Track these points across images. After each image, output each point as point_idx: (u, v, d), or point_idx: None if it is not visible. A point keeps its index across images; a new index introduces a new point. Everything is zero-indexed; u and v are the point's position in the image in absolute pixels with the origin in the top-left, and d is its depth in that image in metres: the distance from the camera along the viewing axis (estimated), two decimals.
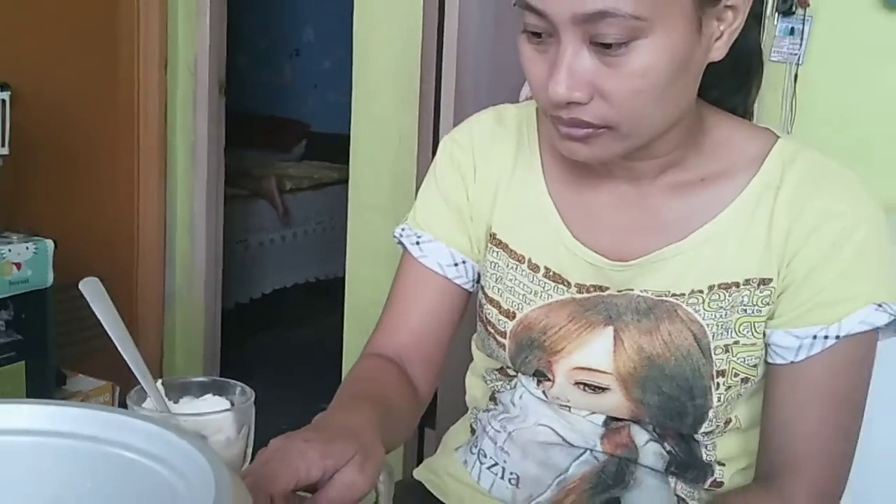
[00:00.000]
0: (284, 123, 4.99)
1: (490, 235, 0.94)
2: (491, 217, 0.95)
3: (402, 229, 1.00)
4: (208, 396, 0.74)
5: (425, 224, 0.98)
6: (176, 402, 0.74)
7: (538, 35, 0.77)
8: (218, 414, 0.70)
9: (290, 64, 5.23)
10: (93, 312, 0.76)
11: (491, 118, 0.98)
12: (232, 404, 0.73)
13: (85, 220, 2.79)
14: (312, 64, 5.15)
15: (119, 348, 0.73)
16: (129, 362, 0.72)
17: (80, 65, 2.74)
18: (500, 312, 0.92)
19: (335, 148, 4.60)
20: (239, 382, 0.75)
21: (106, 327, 0.74)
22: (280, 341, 3.87)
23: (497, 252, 0.94)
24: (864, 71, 1.80)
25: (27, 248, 2.12)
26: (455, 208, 0.97)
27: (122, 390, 2.46)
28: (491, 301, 0.94)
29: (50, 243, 2.18)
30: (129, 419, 0.61)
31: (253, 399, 0.73)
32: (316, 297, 4.17)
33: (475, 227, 0.96)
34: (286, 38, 5.17)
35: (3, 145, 2.08)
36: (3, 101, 2.07)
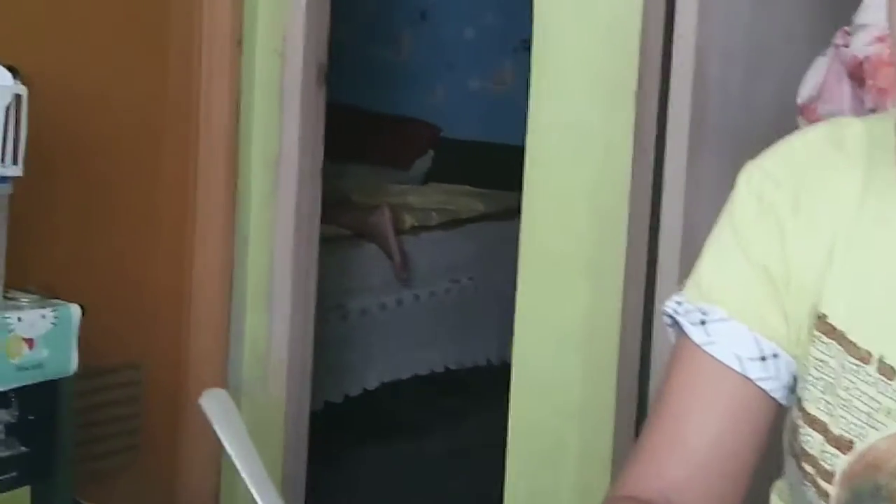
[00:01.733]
0: (402, 125, 5.15)
1: (817, 317, 0.94)
2: (821, 290, 0.94)
3: (678, 303, 1.01)
4: None
5: (716, 295, 0.99)
6: None
7: None
8: None
9: (413, 34, 5.38)
10: (214, 434, 0.80)
11: (823, 138, 0.99)
12: None
13: (118, 277, 2.91)
14: (446, 34, 5.28)
15: (255, 496, 0.77)
16: None
17: (116, 49, 2.88)
18: (827, 441, 0.92)
19: (481, 164, 4.74)
20: None
21: (237, 464, 0.77)
22: (391, 460, 3.93)
23: (828, 345, 0.93)
24: None
25: (44, 316, 2.21)
26: (763, 272, 0.97)
27: None
28: (813, 421, 0.93)
29: (75, 310, 2.26)
30: None
31: None
32: (450, 396, 4.25)
33: (794, 304, 0.96)
34: None
35: (15, 163, 2.16)
36: (19, 96, 2.16)
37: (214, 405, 0.82)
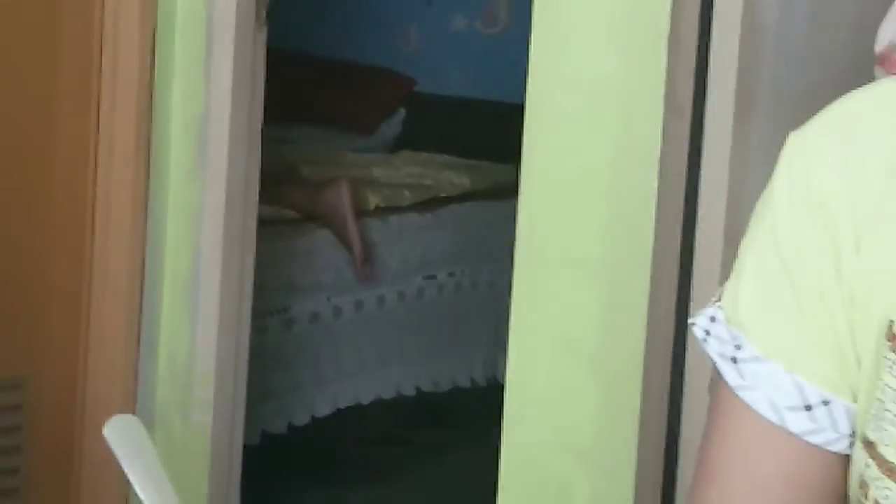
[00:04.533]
0: (366, 75, 5.16)
1: (893, 336, 0.93)
2: (894, 295, 0.94)
3: (713, 319, 1.02)
4: None
5: (749, 322, 0.99)
6: None
7: None
8: None
9: None
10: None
11: (887, 99, 0.98)
12: None
13: None
14: None
15: None
16: None
17: None
18: None
19: (465, 127, 4.77)
20: None
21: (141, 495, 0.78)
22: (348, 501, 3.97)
23: None
24: None
25: None
26: (811, 294, 0.97)
27: None
28: (892, 471, 0.93)
29: None
30: None
31: None
32: (422, 425, 4.28)
33: (856, 321, 0.96)
34: None
35: None
36: None
37: (122, 435, 0.84)
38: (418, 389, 4.40)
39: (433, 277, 4.46)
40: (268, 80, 3.20)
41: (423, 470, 3.98)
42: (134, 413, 3.20)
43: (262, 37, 3.14)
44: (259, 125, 3.19)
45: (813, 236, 0.97)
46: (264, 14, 3.12)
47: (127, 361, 3.19)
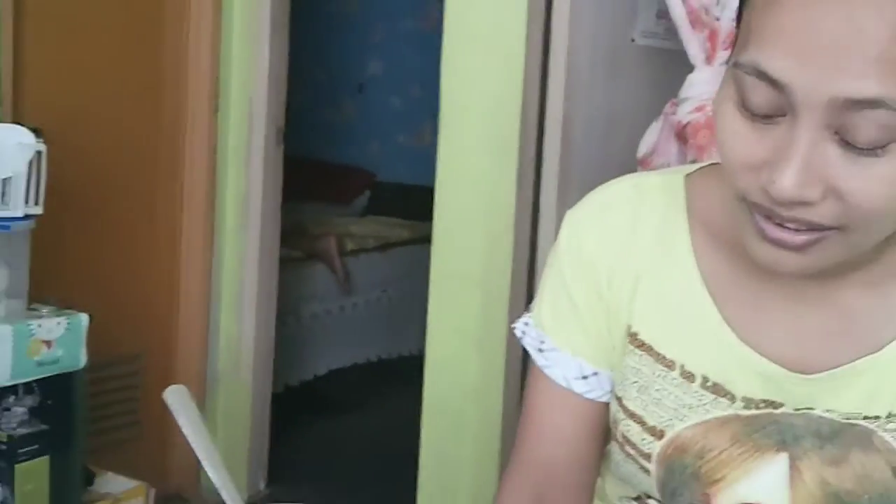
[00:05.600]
0: (345, 171, 5.11)
1: (630, 335, 0.92)
2: (631, 313, 0.92)
3: (526, 324, 0.99)
4: None
5: (549, 327, 0.97)
6: None
7: (759, 112, 0.72)
8: None
9: (353, 101, 5.34)
10: (175, 422, 0.77)
11: (627, 193, 0.94)
12: None
13: (121, 288, 2.87)
14: (379, 102, 5.26)
15: (209, 472, 0.75)
16: (220, 490, 0.73)
17: (119, 110, 2.84)
18: (644, 430, 0.90)
19: (405, 201, 4.72)
20: None
21: (192, 445, 0.75)
22: (336, 430, 3.90)
23: (640, 356, 0.91)
24: None
25: (58, 323, 2.17)
26: (586, 309, 0.95)
27: (157, 492, 2.49)
28: (632, 415, 0.91)
29: (84, 318, 2.22)
30: None
31: None
32: (381, 380, 4.20)
33: (611, 327, 0.94)
34: (348, 72, 5.30)
35: (36, 204, 2.13)
36: (39, 153, 2.13)
37: (176, 398, 0.79)
38: (378, 358, 4.37)
39: (386, 291, 4.42)
40: (285, 175, 3.18)
41: (380, 407, 3.95)
42: (205, 376, 3.17)
43: (280, 149, 3.12)
44: (279, 202, 3.16)
45: (583, 279, 0.95)
46: (281, 136, 3.11)
47: (201, 343, 3.15)
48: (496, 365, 2.51)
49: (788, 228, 0.73)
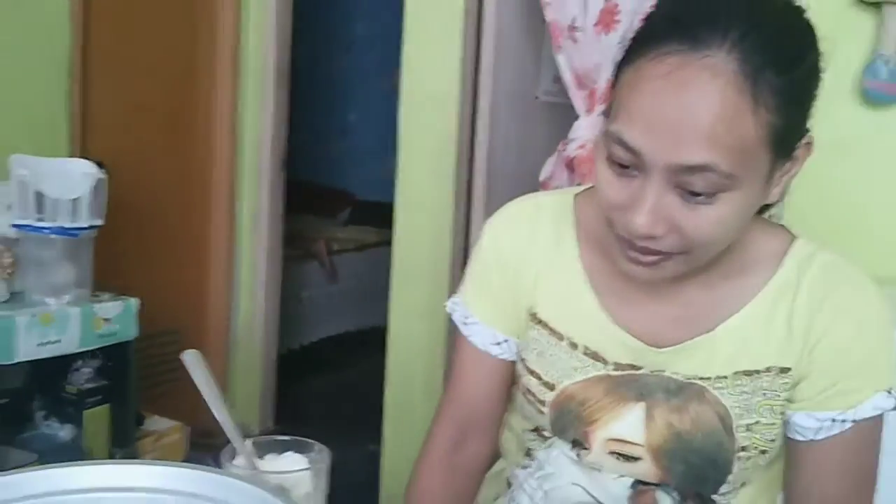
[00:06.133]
0: (332, 193, 5.05)
1: (532, 315, 0.92)
2: (533, 298, 0.91)
3: (455, 302, 0.98)
4: (289, 454, 0.75)
5: (472, 305, 0.96)
6: (261, 457, 0.75)
7: (623, 164, 0.73)
8: (299, 472, 0.71)
9: (339, 141, 5.29)
10: (190, 379, 0.77)
11: (531, 208, 0.94)
12: (309, 461, 0.74)
13: (164, 279, 2.83)
14: (358, 141, 5.21)
15: (214, 413, 0.74)
16: (223, 426, 0.73)
17: (164, 146, 2.81)
18: (540, 383, 0.90)
19: (377, 214, 4.66)
20: (315, 442, 0.75)
21: (203, 394, 0.75)
22: (326, 382, 3.86)
23: (538, 330, 0.90)
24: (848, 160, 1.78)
25: (115, 305, 2.15)
26: (500, 293, 0.94)
27: (192, 430, 2.47)
28: (532, 372, 0.91)
29: (135, 302, 2.20)
30: (228, 479, 0.62)
31: (328, 459, 0.73)
32: (358, 344, 4.16)
33: (518, 308, 0.93)
34: (334, 119, 5.27)
35: (99, 217, 2.11)
36: (101, 179, 2.11)
37: (192, 361, 0.78)
38: (358, 329, 4.33)
39: (361, 280, 4.37)
40: (287, 194, 3.16)
41: (360, 363, 3.90)
42: (228, 341, 3.13)
43: (283, 175, 3.09)
44: (282, 214, 3.12)
45: (499, 270, 0.94)
46: (283, 164, 3.08)
47: (225, 318, 3.11)
48: (439, 334, 2.51)
49: (642, 251, 0.75)
